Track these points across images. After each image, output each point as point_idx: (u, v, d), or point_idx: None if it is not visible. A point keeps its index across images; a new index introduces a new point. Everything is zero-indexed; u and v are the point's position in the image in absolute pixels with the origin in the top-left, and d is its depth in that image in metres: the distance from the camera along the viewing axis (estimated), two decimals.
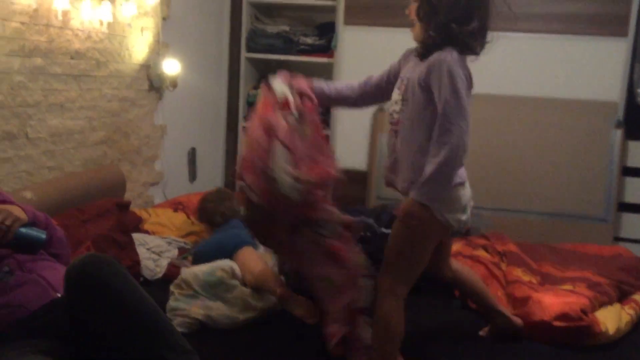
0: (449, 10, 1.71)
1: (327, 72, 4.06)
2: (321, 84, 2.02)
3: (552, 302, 2.22)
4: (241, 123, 4.30)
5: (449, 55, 1.70)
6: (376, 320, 1.88)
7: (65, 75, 2.62)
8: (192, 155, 3.92)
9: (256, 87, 4.32)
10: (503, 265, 2.73)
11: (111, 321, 1.50)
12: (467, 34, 1.73)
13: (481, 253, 2.84)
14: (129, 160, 3.19)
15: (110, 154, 3.01)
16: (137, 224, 2.80)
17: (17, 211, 1.73)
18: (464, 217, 1.84)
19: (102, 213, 2.55)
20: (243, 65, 4.22)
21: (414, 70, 1.81)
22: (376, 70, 2.06)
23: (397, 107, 1.85)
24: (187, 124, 3.83)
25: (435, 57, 1.72)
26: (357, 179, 3.99)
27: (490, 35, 1.80)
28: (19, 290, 1.67)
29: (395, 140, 1.87)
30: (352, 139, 4.04)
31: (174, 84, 3.38)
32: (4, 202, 1.80)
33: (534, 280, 2.59)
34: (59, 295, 1.70)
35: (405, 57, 1.96)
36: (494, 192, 3.59)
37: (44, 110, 2.53)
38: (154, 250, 2.58)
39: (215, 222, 2.77)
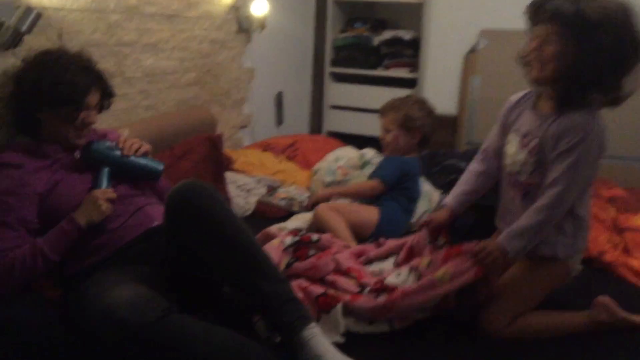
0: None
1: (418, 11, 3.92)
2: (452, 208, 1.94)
3: None
4: (327, 68, 4.25)
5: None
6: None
7: (158, 15, 2.66)
8: (279, 99, 3.92)
9: (343, 31, 4.24)
10: (612, 211, 2.52)
11: (209, 247, 1.52)
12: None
13: None
14: (219, 102, 3.23)
15: (201, 96, 3.06)
16: (228, 164, 2.84)
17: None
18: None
19: (194, 149, 2.59)
20: (330, 8, 4.14)
21: (543, 129, 1.68)
22: None
23: (526, 168, 1.72)
24: (274, 68, 3.82)
25: (574, 119, 1.61)
26: (446, 124, 3.87)
27: None
28: (118, 220, 1.73)
29: (521, 202, 1.75)
30: (442, 82, 3.92)
31: (262, 25, 3.37)
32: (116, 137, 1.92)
33: None
34: (156, 223, 1.76)
35: (512, 108, 1.83)
36: None
37: (139, 50, 2.59)
38: (243, 188, 2.62)
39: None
